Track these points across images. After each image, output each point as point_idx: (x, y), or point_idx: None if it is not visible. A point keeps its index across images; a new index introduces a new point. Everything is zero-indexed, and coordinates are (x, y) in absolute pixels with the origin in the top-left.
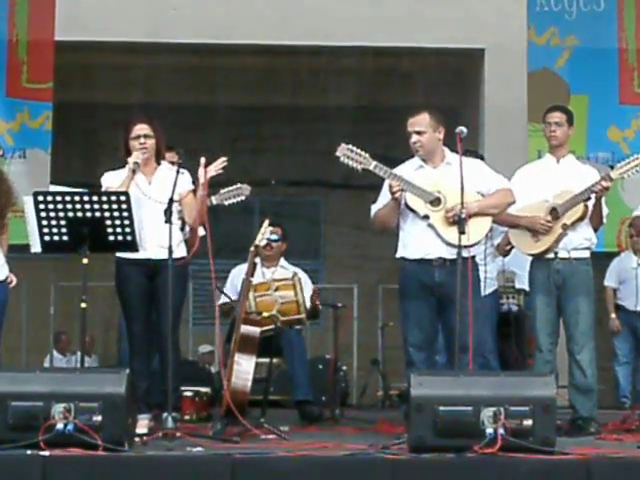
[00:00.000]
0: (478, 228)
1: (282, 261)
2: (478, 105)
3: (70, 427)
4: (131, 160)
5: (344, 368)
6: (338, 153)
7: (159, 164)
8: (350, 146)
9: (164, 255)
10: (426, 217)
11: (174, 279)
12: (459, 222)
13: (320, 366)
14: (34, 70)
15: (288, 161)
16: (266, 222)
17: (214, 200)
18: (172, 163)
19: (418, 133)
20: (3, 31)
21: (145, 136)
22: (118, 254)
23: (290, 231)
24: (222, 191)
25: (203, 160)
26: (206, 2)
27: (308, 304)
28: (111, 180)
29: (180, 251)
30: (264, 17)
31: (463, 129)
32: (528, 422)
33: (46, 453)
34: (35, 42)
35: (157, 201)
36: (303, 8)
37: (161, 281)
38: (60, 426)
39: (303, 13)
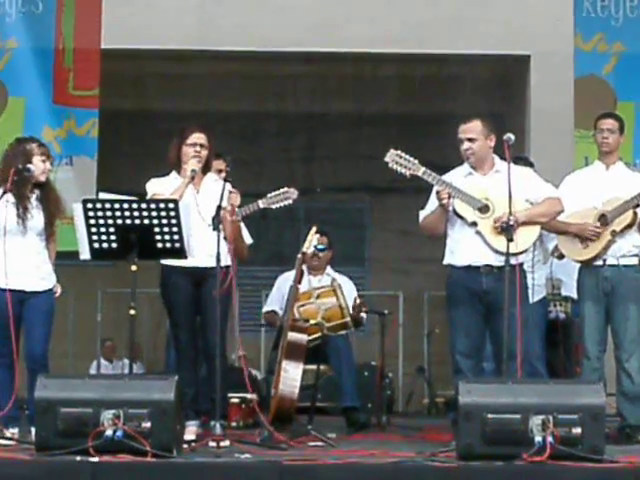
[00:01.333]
0: (526, 236)
1: (328, 269)
2: (524, 111)
3: (119, 433)
4: (189, 167)
5: (390, 375)
6: (387, 159)
7: (228, 172)
8: (399, 152)
9: (211, 263)
10: (474, 224)
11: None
12: (507, 229)
13: (366, 373)
14: (80, 77)
15: (333, 168)
16: (313, 229)
17: (261, 204)
18: (219, 171)
19: (470, 140)
20: (50, 39)
21: (201, 145)
22: (164, 261)
23: (335, 238)
24: (269, 195)
25: (229, 186)
26: (254, 10)
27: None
28: (157, 186)
29: (227, 259)
30: (312, 25)
31: (511, 136)
32: (577, 430)
33: (95, 459)
34: (81, 50)
35: (205, 210)
36: (349, 16)
37: (208, 289)
38: (109, 432)
39: (349, 20)
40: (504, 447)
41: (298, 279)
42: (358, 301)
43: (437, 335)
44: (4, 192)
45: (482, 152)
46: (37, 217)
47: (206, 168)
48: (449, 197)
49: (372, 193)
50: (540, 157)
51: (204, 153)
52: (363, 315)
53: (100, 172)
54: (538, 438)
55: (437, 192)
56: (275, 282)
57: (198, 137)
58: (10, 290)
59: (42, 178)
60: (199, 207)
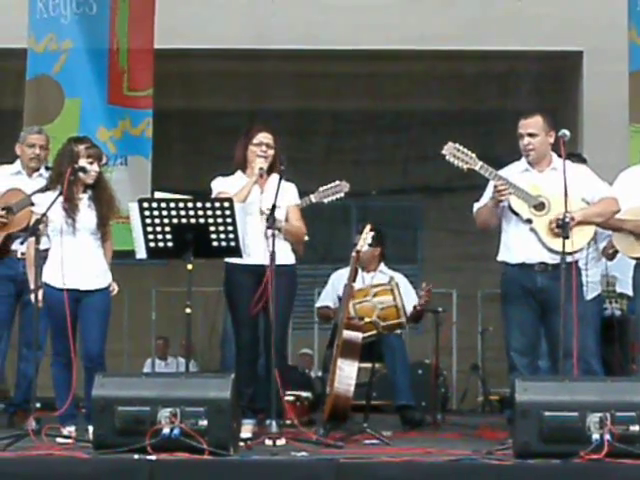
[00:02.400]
0: (581, 235)
1: (381, 266)
2: (577, 107)
3: (176, 431)
4: (256, 166)
5: (444, 373)
6: (444, 152)
7: (283, 171)
8: (457, 145)
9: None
10: (529, 221)
11: (283, 285)
12: (563, 227)
13: (420, 371)
14: (134, 78)
15: (386, 168)
16: (367, 227)
17: (313, 198)
18: None
19: (530, 135)
20: (104, 40)
21: (267, 145)
22: (227, 260)
23: (387, 237)
24: (321, 189)
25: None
26: (306, 9)
27: (409, 308)
28: (222, 185)
29: (289, 258)
30: (363, 23)
31: (566, 132)
32: (635, 428)
33: (153, 457)
34: (135, 50)
35: (268, 210)
36: (401, 14)
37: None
38: (166, 430)
39: (401, 19)
40: (561, 445)
41: (353, 277)
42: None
43: (491, 333)
44: (60, 193)
45: (542, 148)
46: (89, 217)
47: (272, 168)
48: (505, 192)
49: (425, 193)
50: (593, 153)
51: (270, 152)
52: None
53: (153, 172)
54: (596, 436)
55: (495, 186)
56: (329, 279)
57: (264, 136)
58: (66, 289)
59: (89, 180)
60: (262, 206)
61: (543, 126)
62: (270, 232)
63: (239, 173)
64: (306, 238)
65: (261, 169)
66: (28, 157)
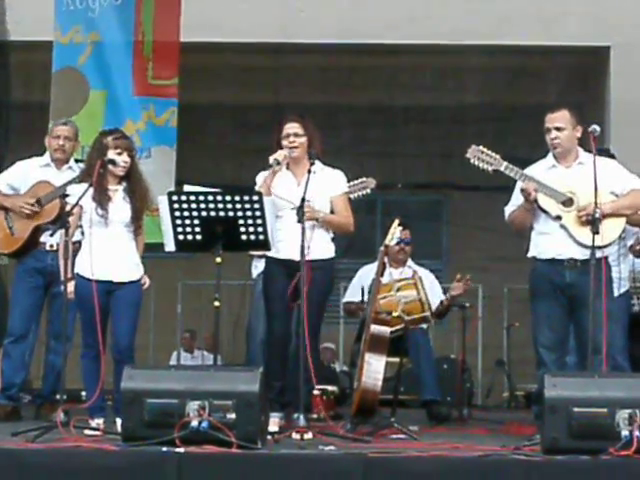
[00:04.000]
0: (611, 229)
1: (410, 262)
2: (603, 103)
3: (205, 424)
4: (271, 157)
5: (469, 368)
6: (468, 155)
7: (313, 163)
8: (481, 147)
9: (309, 256)
10: (558, 218)
11: (318, 280)
12: (593, 222)
13: (445, 366)
14: (159, 67)
15: (412, 161)
16: (396, 222)
17: None
18: None
19: (558, 129)
20: (130, 31)
21: (295, 135)
22: (267, 253)
23: (412, 231)
24: (348, 184)
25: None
26: (333, 3)
27: (436, 303)
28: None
29: (326, 252)
30: (390, 17)
31: (596, 128)
32: None
33: (181, 450)
34: (160, 42)
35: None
36: (428, 7)
37: (303, 282)
38: (195, 423)
39: (429, 12)
40: (590, 441)
41: (380, 272)
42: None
43: (516, 328)
44: (90, 185)
45: (569, 142)
46: (123, 209)
47: (309, 156)
48: (534, 193)
49: (451, 188)
50: (620, 148)
51: (299, 141)
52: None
53: (177, 165)
54: (625, 432)
55: (522, 189)
56: (356, 274)
57: (290, 127)
58: (96, 281)
59: (119, 172)
60: (296, 199)
61: (570, 120)
62: (302, 226)
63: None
64: (352, 229)
65: (275, 160)
66: (53, 148)
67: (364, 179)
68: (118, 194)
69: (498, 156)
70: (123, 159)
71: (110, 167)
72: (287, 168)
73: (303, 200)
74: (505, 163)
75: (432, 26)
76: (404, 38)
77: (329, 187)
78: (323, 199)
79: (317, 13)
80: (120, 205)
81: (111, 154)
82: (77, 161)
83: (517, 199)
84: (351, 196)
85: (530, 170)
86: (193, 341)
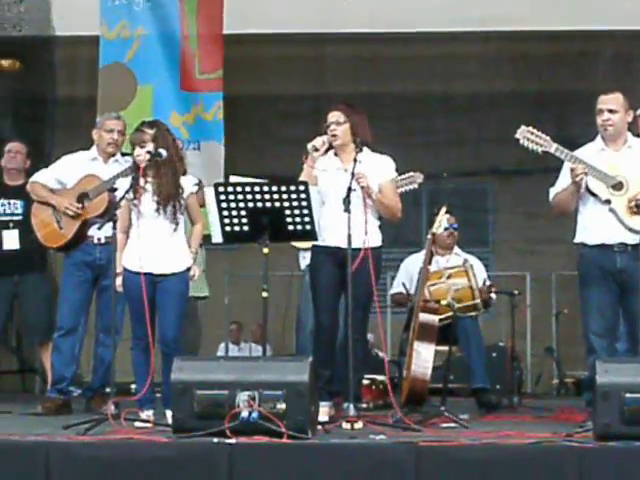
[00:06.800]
0: None
1: (456, 248)
2: None
3: (255, 415)
4: (309, 144)
5: (519, 356)
6: (518, 135)
7: (359, 151)
8: (530, 128)
9: (355, 244)
10: (608, 202)
11: (367, 269)
12: None
13: (494, 354)
14: (205, 61)
15: (456, 150)
16: (443, 210)
17: None
18: None
19: (610, 111)
20: (175, 25)
21: (336, 123)
22: (314, 242)
23: (459, 220)
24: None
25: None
26: None
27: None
28: (319, 166)
29: (373, 240)
30: (430, 5)
31: None
32: None
33: (232, 441)
34: (205, 35)
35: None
36: None
37: (350, 271)
38: (245, 414)
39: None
40: None
41: (428, 260)
42: (488, 282)
43: (565, 315)
44: (133, 179)
45: (620, 125)
46: (149, 201)
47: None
48: (584, 174)
49: (497, 176)
50: None
51: (341, 129)
52: (493, 296)
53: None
54: None
55: (572, 170)
56: (401, 264)
57: (331, 116)
58: (143, 273)
59: (141, 165)
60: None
61: (623, 103)
62: (348, 215)
63: (330, 153)
64: (399, 215)
65: (313, 147)
66: (106, 142)
67: (411, 174)
68: (149, 186)
69: (548, 137)
70: (136, 153)
71: (164, 158)
72: (335, 155)
73: (349, 190)
74: (555, 145)
75: (471, 13)
76: (445, 26)
77: (377, 172)
78: (372, 184)
79: (356, 3)
80: (149, 197)
81: (137, 149)
82: (123, 154)
83: (564, 181)
84: (398, 190)
85: (579, 152)
86: (240, 333)
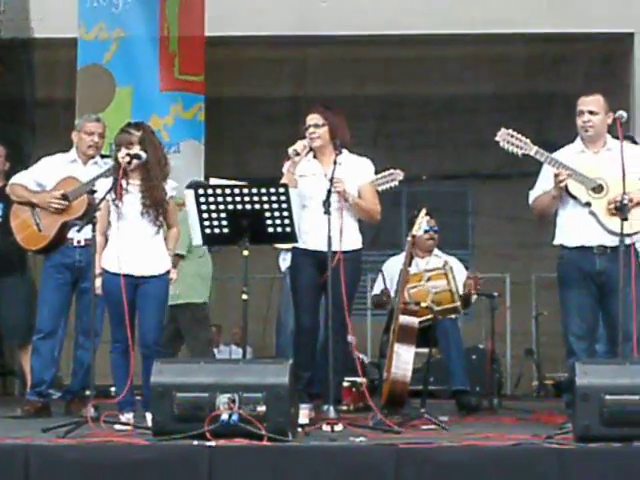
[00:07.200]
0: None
1: (436, 250)
2: (628, 90)
3: (235, 417)
4: (290, 148)
5: (498, 358)
6: (498, 138)
7: (339, 153)
8: (510, 131)
9: (336, 247)
10: (588, 204)
11: (346, 271)
12: (621, 209)
13: (474, 356)
14: (186, 62)
15: (437, 153)
16: (423, 212)
17: None
18: None
19: (591, 113)
20: (155, 27)
21: (315, 125)
22: (295, 244)
23: (439, 222)
24: (375, 177)
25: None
26: None
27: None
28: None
29: (353, 243)
30: (410, 7)
31: (623, 114)
32: None
33: (212, 443)
34: (186, 37)
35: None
36: None
37: (331, 273)
38: (225, 416)
39: (447, 3)
40: (622, 428)
41: (408, 262)
42: (470, 280)
43: (545, 317)
44: (114, 180)
45: (600, 127)
46: (135, 203)
47: (334, 145)
48: (565, 177)
49: (477, 179)
50: None
51: (320, 132)
52: (474, 296)
53: (205, 158)
54: None
55: (555, 175)
56: (382, 266)
57: (310, 118)
58: (123, 275)
59: (130, 167)
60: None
61: (603, 105)
62: (328, 217)
63: (309, 156)
64: (378, 217)
65: (294, 151)
66: (86, 145)
67: (391, 171)
68: (134, 187)
69: (528, 140)
70: (120, 155)
71: (142, 160)
72: (314, 157)
73: (329, 192)
74: (535, 147)
75: (451, 16)
76: (425, 28)
77: (356, 175)
78: (351, 187)
79: (337, 5)
80: (132, 199)
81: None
82: (102, 157)
83: (544, 184)
84: (379, 188)
85: (558, 154)
86: (219, 336)
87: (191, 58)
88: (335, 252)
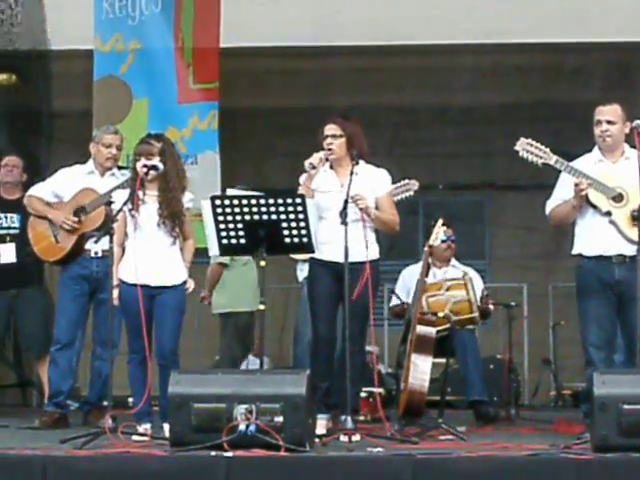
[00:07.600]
0: None
1: (453, 261)
2: None
3: (252, 428)
4: (307, 161)
5: (516, 367)
6: (517, 147)
7: (355, 164)
8: (530, 140)
9: (353, 257)
10: (608, 213)
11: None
12: (639, 217)
13: (491, 366)
14: (200, 71)
15: (453, 162)
16: (440, 222)
17: None
18: None
19: (609, 122)
20: (170, 38)
21: (333, 136)
22: (312, 255)
23: (455, 232)
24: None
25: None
26: (370, 4)
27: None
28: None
29: (370, 253)
30: (425, 17)
31: None
32: None
33: (229, 454)
34: (201, 47)
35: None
36: (463, 7)
37: (348, 283)
38: (242, 427)
39: (463, 12)
40: None
41: (425, 272)
42: (485, 293)
43: (563, 327)
44: (132, 192)
45: (618, 136)
46: (152, 214)
47: (354, 154)
48: (586, 187)
49: (493, 189)
50: None
51: (337, 142)
52: (491, 307)
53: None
54: None
55: (576, 184)
56: (399, 276)
57: (328, 129)
58: (140, 285)
59: (147, 177)
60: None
61: (621, 115)
62: (345, 228)
63: (325, 167)
64: (397, 228)
65: (311, 165)
66: (104, 157)
67: (407, 181)
68: (151, 199)
69: (547, 149)
70: (139, 165)
71: (158, 171)
72: (331, 167)
73: (346, 202)
74: (555, 157)
75: (468, 26)
76: (442, 38)
77: (373, 186)
78: (368, 198)
79: (354, 15)
80: (150, 210)
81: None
82: (119, 168)
83: (561, 193)
84: (394, 198)
85: (576, 163)
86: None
87: (205, 67)
88: (353, 263)
